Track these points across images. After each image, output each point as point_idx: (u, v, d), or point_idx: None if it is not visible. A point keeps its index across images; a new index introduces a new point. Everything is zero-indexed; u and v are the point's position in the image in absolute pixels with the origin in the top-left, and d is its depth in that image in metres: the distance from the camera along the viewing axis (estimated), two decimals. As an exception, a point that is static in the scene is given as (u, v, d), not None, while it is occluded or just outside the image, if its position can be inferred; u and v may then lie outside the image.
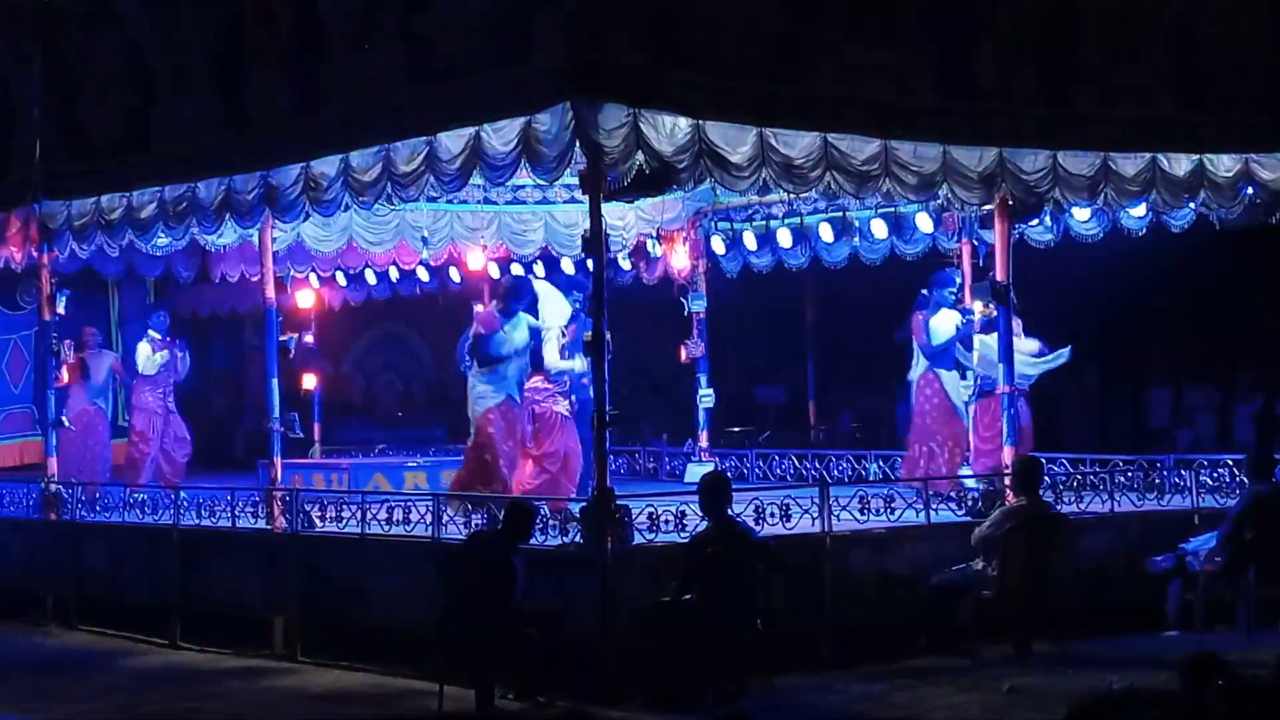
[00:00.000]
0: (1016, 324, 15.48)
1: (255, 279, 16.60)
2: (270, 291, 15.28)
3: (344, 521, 14.20)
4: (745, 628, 11.47)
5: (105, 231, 16.10)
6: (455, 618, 11.73)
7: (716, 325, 19.44)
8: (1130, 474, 15.49)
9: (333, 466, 18.71)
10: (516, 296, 15.45)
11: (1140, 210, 15.54)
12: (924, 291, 16.08)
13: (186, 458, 18.93)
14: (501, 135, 12.36)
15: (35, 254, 16.86)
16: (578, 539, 12.20)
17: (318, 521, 14.38)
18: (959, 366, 16.05)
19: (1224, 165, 14.80)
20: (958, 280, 15.86)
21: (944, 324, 15.87)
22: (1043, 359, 16.12)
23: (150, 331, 18.86)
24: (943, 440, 15.83)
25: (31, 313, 18.46)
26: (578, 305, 15.31)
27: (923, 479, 14.68)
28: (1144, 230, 16.12)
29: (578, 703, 11.54)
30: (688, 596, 11.48)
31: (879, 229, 17.59)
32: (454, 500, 14.09)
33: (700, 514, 12.01)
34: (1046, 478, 14.14)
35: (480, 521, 13.33)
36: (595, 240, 12.19)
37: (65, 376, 17.68)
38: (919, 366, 16.08)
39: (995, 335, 14.55)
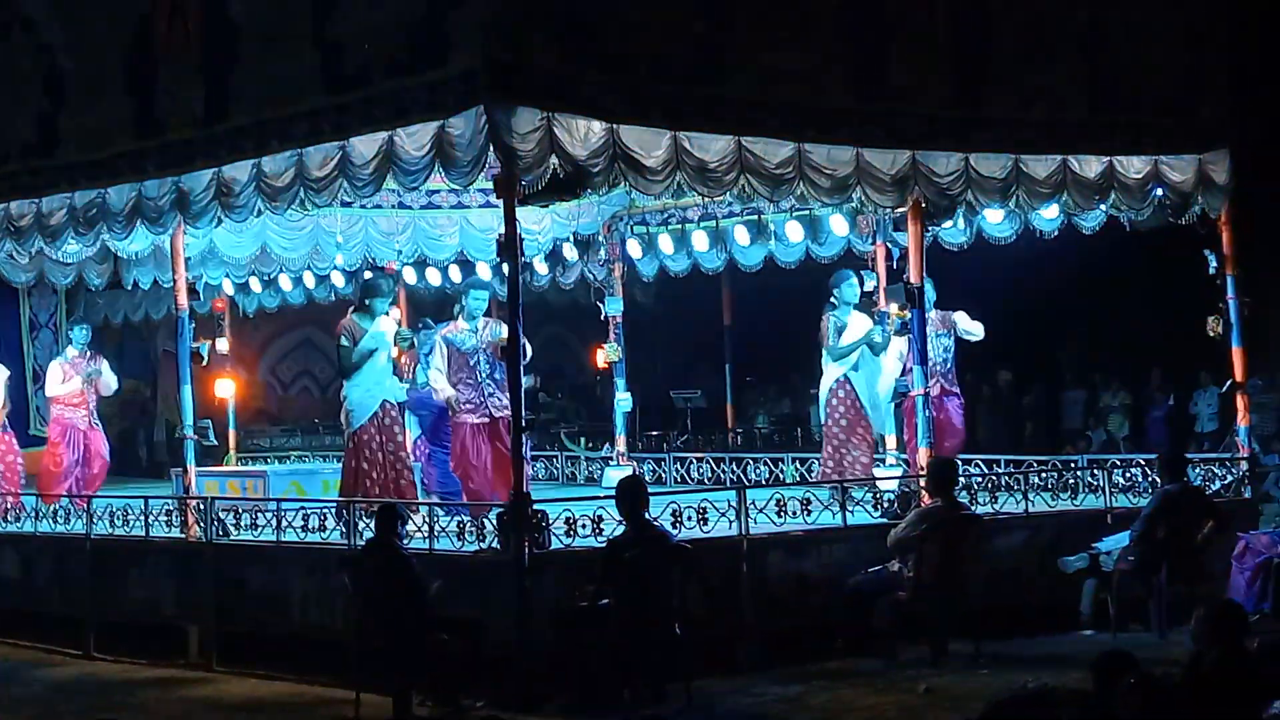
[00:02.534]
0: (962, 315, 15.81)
1: (168, 286, 16.46)
2: (183, 298, 15.07)
3: (259, 529, 14.11)
4: (663, 631, 11.45)
5: (14, 238, 15.95)
6: (370, 625, 11.69)
7: (633, 329, 19.46)
8: (1044, 474, 15.60)
9: (248, 474, 18.56)
10: (376, 295, 15.34)
11: (1052, 212, 15.67)
12: (830, 298, 16.13)
13: (104, 470, 18.63)
14: (415, 139, 12.31)
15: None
16: (495, 544, 12.16)
17: (232, 529, 14.28)
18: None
19: (1134, 167, 14.98)
20: (856, 278, 15.95)
21: (852, 328, 15.94)
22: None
23: (69, 349, 18.57)
24: (857, 443, 15.89)
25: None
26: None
27: (838, 481, 14.70)
28: (1056, 232, 16.25)
29: (495, 708, 11.51)
30: (605, 601, 11.45)
31: (794, 232, 17.66)
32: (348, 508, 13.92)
33: (618, 518, 12.00)
34: (961, 479, 14.23)
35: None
36: (510, 244, 12.15)
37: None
38: (830, 371, 16.09)
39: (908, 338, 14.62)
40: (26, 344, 24.13)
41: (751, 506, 13.22)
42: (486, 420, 14.79)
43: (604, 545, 11.86)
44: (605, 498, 12.54)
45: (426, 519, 12.92)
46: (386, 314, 15.23)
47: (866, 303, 16.16)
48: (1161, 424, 23.23)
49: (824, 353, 16.16)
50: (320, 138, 12.97)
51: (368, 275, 17.86)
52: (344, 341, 14.99)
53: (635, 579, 11.42)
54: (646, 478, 18.92)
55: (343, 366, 15.08)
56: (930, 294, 15.37)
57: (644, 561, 11.46)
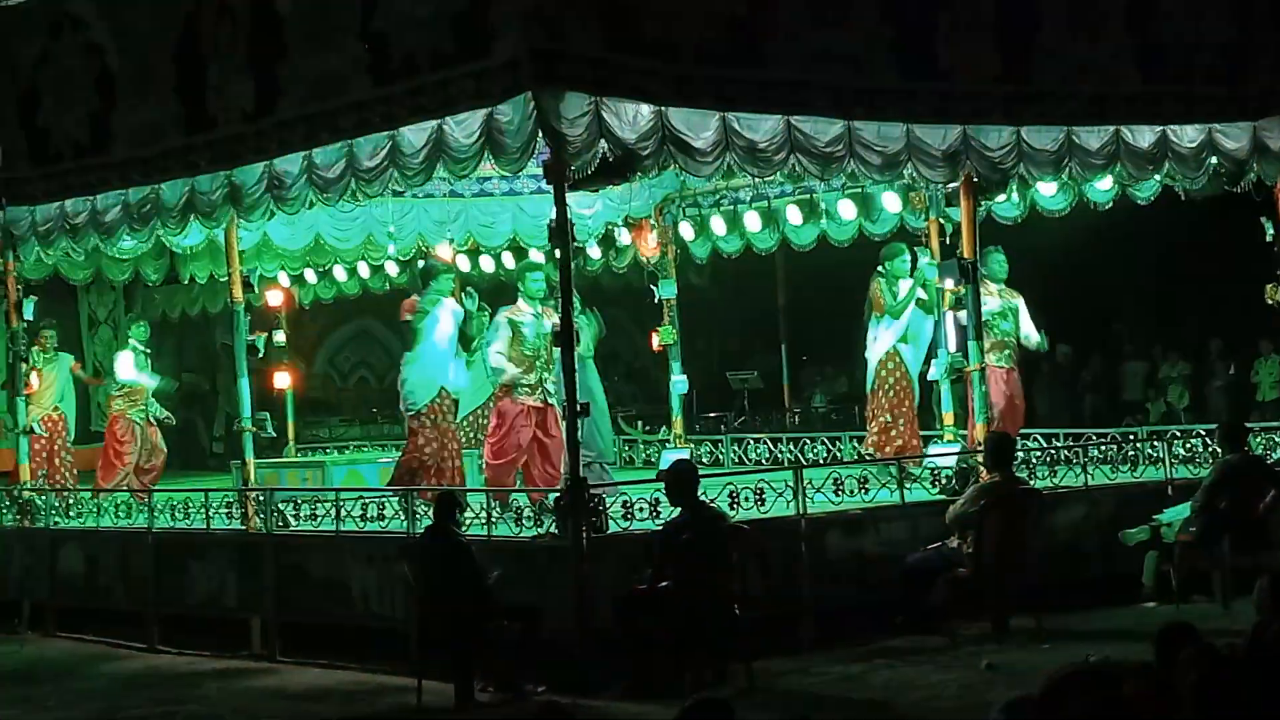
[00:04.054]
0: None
1: (224, 279, 16.55)
2: (238, 291, 15.23)
3: (319, 519, 14.19)
4: (721, 613, 11.45)
5: (70, 236, 16.06)
6: (430, 613, 11.74)
7: (688, 311, 19.44)
8: (1104, 447, 15.52)
9: (307, 465, 18.66)
10: (433, 277, 15.41)
11: (1106, 183, 15.59)
12: (879, 268, 16.12)
13: (163, 464, 18.87)
14: (464, 127, 12.33)
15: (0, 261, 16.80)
16: (552, 529, 12.18)
17: (292, 520, 14.36)
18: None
19: (1187, 136, 14.85)
20: (908, 251, 15.91)
21: (903, 292, 15.97)
22: None
23: (131, 341, 18.80)
24: (902, 417, 15.89)
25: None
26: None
27: (896, 457, 14.67)
28: (1110, 203, 16.18)
29: (556, 693, 11.54)
30: (664, 584, 11.45)
31: (846, 210, 17.61)
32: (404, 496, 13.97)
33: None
34: (1020, 453, 14.17)
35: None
36: (561, 230, 12.16)
37: (35, 383, 17.66)
38: (880, 344, 16.07)
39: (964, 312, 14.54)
40: (86, 341, 24.30)
41: (809, 486, 13.20)
42: (539, 405, 14.79)
43: (659, 528, 11.84)
44: (662, 481, 12.52)
45: (484, 505, 12.95)
46: (449, 297, 15.31)
47: (921, 277, 16.08)
48: (1222, 394, 23.06)
49: (874, 320, 16.13)
50: (369, 129, 13.01)
51: (422, 262, 17.91)
52: (408, 317, 15.10)
53: (692, 561, 11.41)
54: (704, 459, 19.01)
55: (408, 340, 15.16)
56: (1002, 268, 15.58)
57: (700, 543, 11.46)
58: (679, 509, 11.77)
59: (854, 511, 13.41)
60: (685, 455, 16.48)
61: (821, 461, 17.50)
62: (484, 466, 15.10)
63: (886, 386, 16.04)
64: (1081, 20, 14.40)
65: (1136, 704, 6.79)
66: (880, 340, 16.12)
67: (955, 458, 14.49)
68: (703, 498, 11.95)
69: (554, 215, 12.22)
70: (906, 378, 16.05)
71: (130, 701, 12.84)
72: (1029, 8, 14.20)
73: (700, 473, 12.32)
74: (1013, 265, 16.25)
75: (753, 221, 18.56)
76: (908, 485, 13.93)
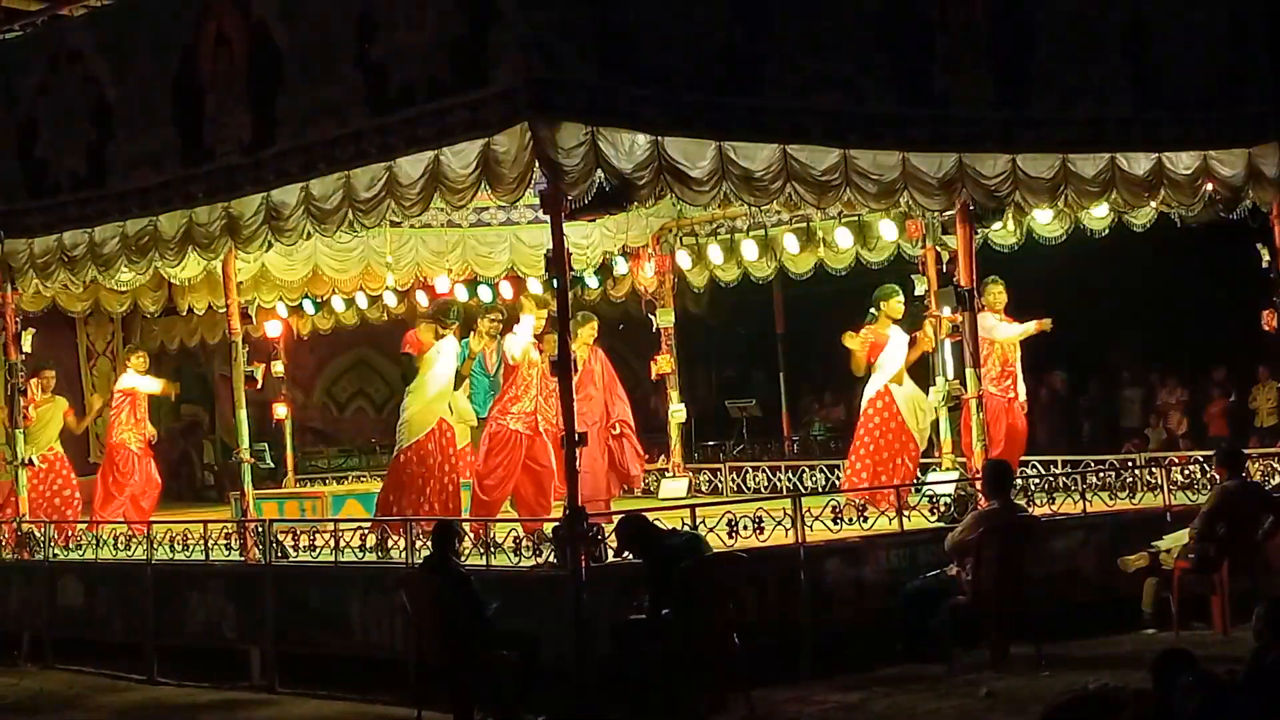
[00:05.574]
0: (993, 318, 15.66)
1: (222, 310, 16.57)
2: (235, 322, 15.24)
3: (318, 550, 14.17)
4: (720, 641, 11.44)
5: (68, 268, 16.06)
6: (429, 642, 11.73)
7: (686, 339, 19.48)
8: (1102, 474, 15.53)
9: (306, 495, 18.65)
10: (445, 315, 15.44)
11: (1102, 210, 15.63)
12: (872, 310, 15.98)
13: (155, 497, 18.81)
14: (461, 158, 12.34)
15: (-1, 294, 16.82)
16: (551, 559, 12.17)
17: (291, 551, 14.34)
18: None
19: (1183, 163, 14.88)
20: (901, 293, 15.77)
21: (893, 344, 15.87)
22: None
23: (130, 373, 18.81)
24: (899, 455, 15.72)
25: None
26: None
27: (894, 486, 14.65)
28: (1106, 230, 16.21)
29: (555, 722, 11.57)
30: (665, 611, 11.43)
31: (843, 238, 17.66)
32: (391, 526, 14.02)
33: (669, 527, 11.99)
34: (1018, 480, 14.17)
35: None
36: (558, 259, 12.18)
37: (33, 416, 17.63)
38: (872, 384, 15.90)
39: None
40: (85, 373, 24.29)
41: (807, 514, 13.19)
42: (530, 433, 14.88)
43: (648, 561, 11.78)
44: (661, 509, 12.55)
45: (482, 535, 12.96)
46: (451, 334, 15.37)
47: (918, 308, 16.05)
48: (1220, 420, 23.06)
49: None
50: (366, 159, 13.01)
51: (442, 296, 18.01)
52: (410, 352, 15.15)
53: (689, 590, 11.38)
54: (703, 488, 19.06)
55: (405, 375, 15.21)
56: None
57: (696, 572, 11.45)
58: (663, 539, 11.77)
59: (853, 539, 13.41)
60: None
61: (820, 489, 17.51)
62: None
63: (872, 425, 15.78)
64: (1077, 45, 14.43)
65: (1135, 730, 6.82)
66: (872, 381, 15.94)
67: (953, 485, 14.50)
68: (671, 527, 12.07)
69: (551, 245, 12.25)
70: (897, 418, 15.80)
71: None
72: (1024, 33, 14.24)
73: (704, 501, 12.35)
74: (1010, 293, 16.26)
75: (750, 250, 18.61)
76: (905, 514, 13.90)
